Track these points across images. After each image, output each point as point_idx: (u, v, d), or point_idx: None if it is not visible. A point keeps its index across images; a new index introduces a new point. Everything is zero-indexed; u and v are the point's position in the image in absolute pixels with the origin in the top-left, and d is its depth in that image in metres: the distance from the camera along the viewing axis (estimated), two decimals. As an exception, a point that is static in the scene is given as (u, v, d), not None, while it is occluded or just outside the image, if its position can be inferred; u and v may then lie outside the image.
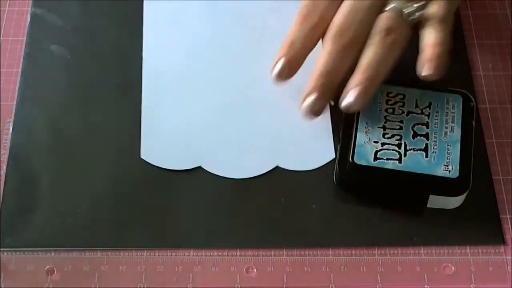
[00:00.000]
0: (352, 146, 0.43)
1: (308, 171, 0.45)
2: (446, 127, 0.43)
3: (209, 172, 0.45)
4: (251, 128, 0.47)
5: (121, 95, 0.48)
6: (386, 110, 0.44)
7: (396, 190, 0.43)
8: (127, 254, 0.42)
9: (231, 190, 0.45)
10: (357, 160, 0.42)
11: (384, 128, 0.43)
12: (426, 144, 0.43)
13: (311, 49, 0.44)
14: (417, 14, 0.43)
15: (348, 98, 0.42)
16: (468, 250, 0.43)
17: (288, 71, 0.44)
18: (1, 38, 0.51)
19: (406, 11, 0.43)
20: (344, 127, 0.44)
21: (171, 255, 0.42)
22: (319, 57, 0.43)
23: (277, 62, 0.44)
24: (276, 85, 0.45)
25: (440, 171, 0.42)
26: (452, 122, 0.44)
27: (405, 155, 0.42)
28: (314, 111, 0.43)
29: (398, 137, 0.43)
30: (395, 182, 0.42)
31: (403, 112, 0.44)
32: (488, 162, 0.46)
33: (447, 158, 0.42)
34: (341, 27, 0.43)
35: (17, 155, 0.46)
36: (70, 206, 0.44)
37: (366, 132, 0.43)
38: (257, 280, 0.42)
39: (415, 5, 0.43)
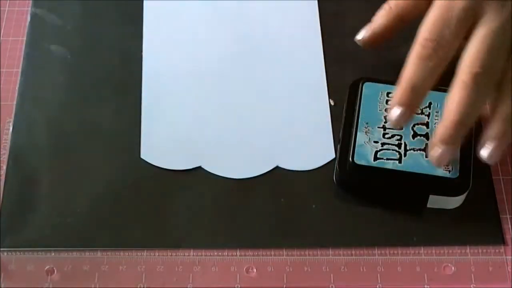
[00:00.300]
0: (352, 146, 0.43)
1: (308, 171, 0.45)
2: None
3: (209, 172, 0.45)
4: (251, 128, 0.47)
5: (121, 95, 0.48)
6: (386, 110, 0.44)
7: (396, 190, 0.43)
8: (127, 254, 0.42)
9: (231, 190, 0.45)
10: (357, 160, 0.42)
11: (384, 128, 0.43)
12: (426, 144, 0.43)
13: (433, 87, 0.41)
14: None
15: (487, 150, 0.40)
16: (468, 250, 0.43)
17: (408, 118, 0.41)
18: (1, 38, 0.51)
19: None
20: (344, 127, 0.44)
21: (171, 255, 0.42)
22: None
23: (394, 107, 0.41)
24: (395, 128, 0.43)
25: (440, 171, 0.42)
26: None
27: (405, 155, 0.42)
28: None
29: (398, 137, 0.43)
30: (395, 182, 0.42)
31: None
32: (488, 162, 0.46)
33: None
34: (483, 65, 0.39)
35: (17, 155, 0.46)
36: (70, 206, 0.44)
37: (366, 132, 0.43)
38: (257, 280, 0.42)
39: None
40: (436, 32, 0.40)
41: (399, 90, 0.41)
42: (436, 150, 0.40)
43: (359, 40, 0.46)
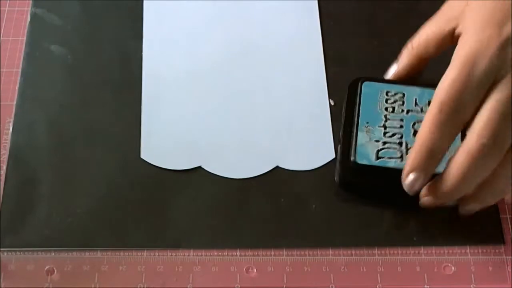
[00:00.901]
0: (353, 146, 0.43)
1: (308, 171, 0.45)
2: None
3: (209, 172, 0.45)
4: (251, 128, 0.47)
5: (121, 95, 0.48)
6: (386, 109, 0.44)
7: (398, 188, 0.43)
8: (127, 254, 0.42)
9: (231, 190, 0.45)
10: (359, 160, 0.42)
11: (384, 127, 0.43)
12: None
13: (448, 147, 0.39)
14: None
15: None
16: (468, 250, 0.43)
17: (423, 183, 0.40)
18: (1, 38, 0.51)
19: None
20: (344, 127, 0.44)
21: (171, 255, 0.42)
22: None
23: (409, 173, 0.40)
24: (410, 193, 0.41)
25: (441, 169, 0.42)
26: None
27: (406, 153, 0.42)
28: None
29: (399, 136, 0.43)
30: (397, 181, 0.42)
31: (403, 110, 0.44)
32: (488, 162, 0.46)
33: (447, 156, 0.42)
34: (493, 135, 0.37)
35: (17, 155, 0.46)
36: (70, 206, 0.44)
37: (366, 132, 0.43)
38: (257, 280, 0.42)
39: None
40: (454, 97, 0.37)
41: (414, 155, 0.39)
42: (423, 204, 0.41)
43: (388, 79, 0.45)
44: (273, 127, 0.47)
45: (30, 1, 0.52)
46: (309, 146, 0.46)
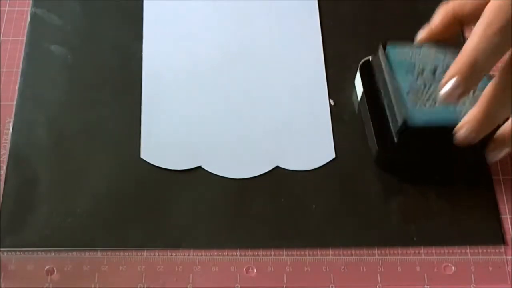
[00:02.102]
0: (401, 112, 0.41)
1: (308, 171, 0.45)
2: None
3: (209, 172, 0.45)
4: (251, 128, 0.47)
5: (121, 95, 0.48)
6: (413, 72, 0.43)
7: (450, 144, 0.41)
8: (127, 254, 0.42)
9: (231, 190, 0.45)
10: (412, 122, 0.41)
11: (418, 87, 0.42)
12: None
13: (494, 66, 0.38)
14: None
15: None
16: (468, 250, 0.43)
17: (461, 94, 0.38)
18: (1, 38, 0.51)
19: None
20: (380, 98, 0.43)
21: (171, 255, 0.42)
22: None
23: (449, 79, 0.38)
24: (442, 104, 0.39)
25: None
26: None
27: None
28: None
29: (433, 91, 0.42)
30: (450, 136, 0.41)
31: (432, 69, 0.43)
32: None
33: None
34: None
35: (17, 155, 0.46)
36: (70, 206, 0.44)
37: (410, 95, 0.42)
38: (257, 280, 0.42)
39: None
40: (504, 14, 0.36)
41: (459, 61, 0.38)
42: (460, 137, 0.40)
43: (418, 41, 0.43)
44: (273, 127, 0.47)
45: (30, 1, 0.52)
46: (309, 146, 0.46)
